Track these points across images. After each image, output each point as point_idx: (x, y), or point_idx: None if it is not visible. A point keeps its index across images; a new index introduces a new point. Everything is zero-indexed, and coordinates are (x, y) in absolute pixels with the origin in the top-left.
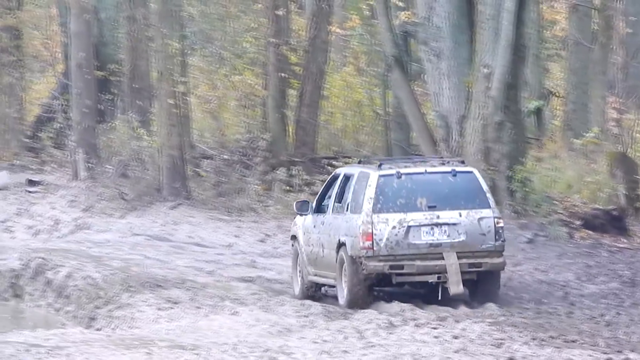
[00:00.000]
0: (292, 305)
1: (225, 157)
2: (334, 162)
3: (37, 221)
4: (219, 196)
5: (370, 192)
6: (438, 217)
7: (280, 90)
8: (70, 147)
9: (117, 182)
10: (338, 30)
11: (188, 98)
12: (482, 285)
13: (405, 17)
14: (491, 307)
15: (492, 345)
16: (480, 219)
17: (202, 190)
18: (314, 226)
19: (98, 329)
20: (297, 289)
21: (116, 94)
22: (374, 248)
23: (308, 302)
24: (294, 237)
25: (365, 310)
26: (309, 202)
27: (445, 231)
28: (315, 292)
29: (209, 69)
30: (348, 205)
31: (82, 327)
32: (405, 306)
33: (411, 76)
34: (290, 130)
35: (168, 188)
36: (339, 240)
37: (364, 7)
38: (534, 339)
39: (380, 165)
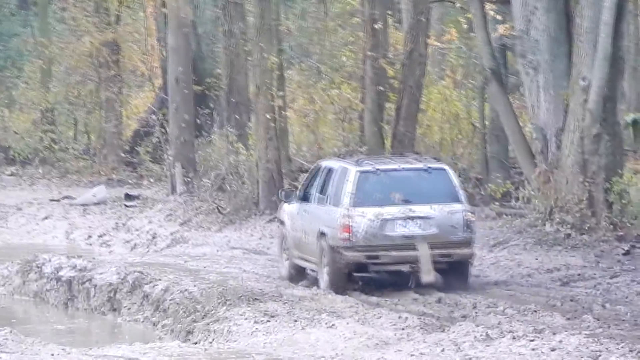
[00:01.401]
0: (388, 318)
1: None
2: None
3: (134, 235)
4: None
5: (349, 187)
6: (412, 210)
7: (378, 103)
8: (168, 162)
9: (214, 195)
10: (436, 43)
11: (285, 112)
12: (452, 274)
13: (503, 30)
14: (588, 319)
15: (589, 357)
16: (451, 212)
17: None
18: (299, 213)
19: (195, 343)
20: (283, 271)
21: (214, 108)
22: (352, 239)
23: (405, 314)
24: (281, 221)
25: (462, 323)
26: (294, 191)
27: (418, 224)
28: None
29: (307, 82)
30: (329, 197)
31: (179, 340)
32: (502, 318)
33: (509, 89)
34: (388, 143)
35: (265, 201)
36: (320, 229)
37: (462, 20)
38: (631, 351)
39: (359, 162)
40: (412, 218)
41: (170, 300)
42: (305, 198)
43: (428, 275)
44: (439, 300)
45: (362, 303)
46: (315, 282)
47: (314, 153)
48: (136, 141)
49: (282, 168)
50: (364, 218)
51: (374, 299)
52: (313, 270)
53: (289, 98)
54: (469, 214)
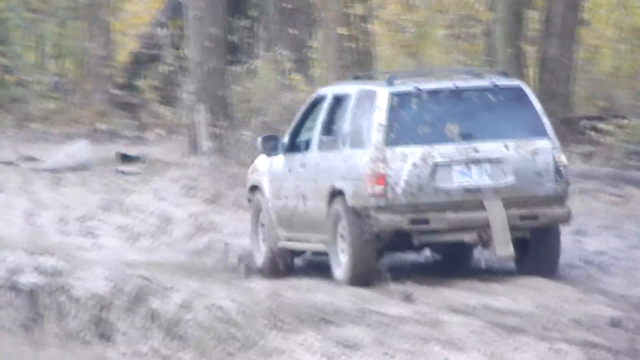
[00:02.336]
0: (535, 351)
1: None
2: (599, 125)
3: (134, 219)
4: None
5: (379, 116)
6: (476, 150)
7: (515, 11)
8: (186, 102)
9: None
10: None
11: (369, 24)
12: (535, 248)
13: None
14: None
15: None
16: (535, 152)
17: None
18: (289, 170)
19: None
20: (259, 259)
21: (257, 18)
22: (388, 195)
23: (561, 344)
24: (253, 188)
25: None
26: (278, 138)
27: (486, 170)
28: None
29: None
30: (344, 137)
31: None
32: None
33: None
34: (531, 74)
35: None
36: (333, 187)
37: None
38: None
39: (390, 80)
40: (476, 162)
41: (191, 321)
42: (296, 147)
43: (505, 247)
44: (615, 323)
45: (490, 326)
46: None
47: None
48: (135, 70)
49: None
50: (406, 162)
51: (510, 320)
52: (316, 254)
53: (375, 2)
54: (561, 154)
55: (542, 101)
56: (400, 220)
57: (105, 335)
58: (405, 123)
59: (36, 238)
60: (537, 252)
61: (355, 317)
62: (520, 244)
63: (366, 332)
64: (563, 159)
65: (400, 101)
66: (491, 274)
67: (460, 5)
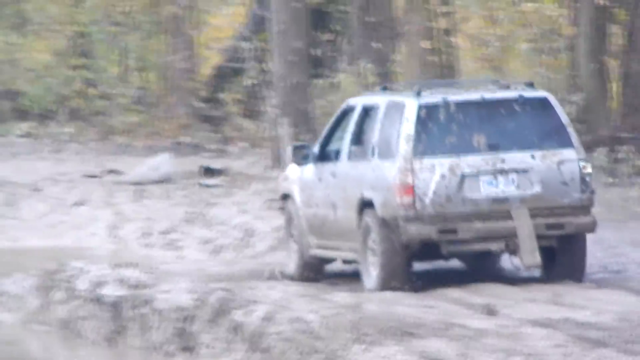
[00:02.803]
0: None
1: None
2: None
3: (217, 232)
4: None
5: (408, 128)
6: (503, 161)
7: (598, 26)
8: (269, 116)
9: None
10: None
11: (453, 38)
12: (562, 257)
13: None
14: None
15: None
16: (560, 162)
17: None
18: (319, 179)
19: None
20: (292, 267)
21: (340, 31)
22: (417, 206)
23: None
24: (285, 197)
25: None
26: (308, 147)
27: (513, 180)
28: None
29: None
30: (373, 148)
31: None
32: None
33: None
34: (615, 88)
35: None
36: (362, 196)
37: None
38: None
39: (419, 92)
40: (503, 172)
41: (274, 334)
42: (326, 157)
43: (532, 255)
44: None
45: (573, 339)
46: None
47: None
48: (219, 84)
49: None
50: (434, 173)
51: (593, 333)
52: (347, 263)
53: (459, 16)
54: (587, 165)
55: (625, 115)
56: (428, 231)
57: (188, 348)
58: (433, 134)
59: (119, 251)
60: (563, 261)
61: (438, 330)
62: (547, 253)
63: (449, 346)
64: (588, 169)
65: (428, 113)
66: (571, 287)
67: (543, 19)
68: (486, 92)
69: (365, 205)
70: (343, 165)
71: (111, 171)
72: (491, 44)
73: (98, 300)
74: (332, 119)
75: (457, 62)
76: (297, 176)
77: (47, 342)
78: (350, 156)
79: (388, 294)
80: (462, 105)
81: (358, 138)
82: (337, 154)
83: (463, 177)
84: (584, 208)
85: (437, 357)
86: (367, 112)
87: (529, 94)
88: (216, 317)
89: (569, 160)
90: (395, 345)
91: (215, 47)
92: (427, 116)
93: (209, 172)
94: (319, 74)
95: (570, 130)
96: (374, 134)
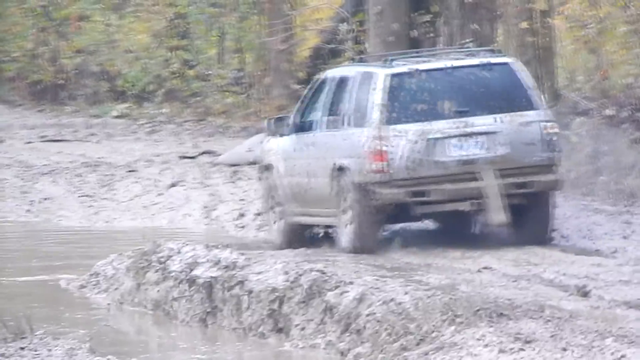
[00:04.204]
0: None
1: (609, 113)
2: None
3: None
4: (595, 174)
5: (379, 96)
6: (469, 124)
7: None
8: None
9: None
10: None
11: (551, 19)
12: (529, 215)
13: None
14: None
15: None
16: (525, 124)
17: (572, 165)
18: (298, 149)
19: None
20: (274, 236)
21: (439, 13)
22: (388, 170)
23: None
24: (266, 167)
25: None
26: (287, 118)
27: (480, 143)
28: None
29: None
30: (346, 117)
31: None
32: None
33: None
34: None
35: None
36: (337, 163)
37: None
38: None
39: (389, 62)
40: (470, 135)
41: (367, 316)
42: (303, 127)
43: (499, 214)
44: None
45: None
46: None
47: (596, 85)
48: (316, 65)
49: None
50: (403, 139)
51: None
52: (326, 228)
53: None
54: (550, 124)
55: None
56: (401, 194)
57: (280, 329)
58: (403, 102)
59: (214, 232)
60: (528, 219)
61: (531, 311)
62: (513, 212)
63: (542, 327)
64: (554, 129)
65: (397, 81)
66: None
67: None
68: (453, 60)
69: (340, 171)
70: (319, 135)
71: (207, 152)
72: (589, 26)
73: (191, 281)
74: (309, 91)
75: (554, 43)
76: (276, 147)
77: (141, 323)
78: (326, 126)
79: (483, 274)
80: (430, 73)
81: (333, 108)
82: (314, 124)
83: (432, 142)
84: (549, 167)
85: (530, 339)
86: (341, 83)
87: (495, 60)
88: (309, 298)
89: (533, 121)
90: (488, 327)
91: (313, 28)
92: (396, 85)
93: None
94: None
95: (534, 92)
96: (347, 104)
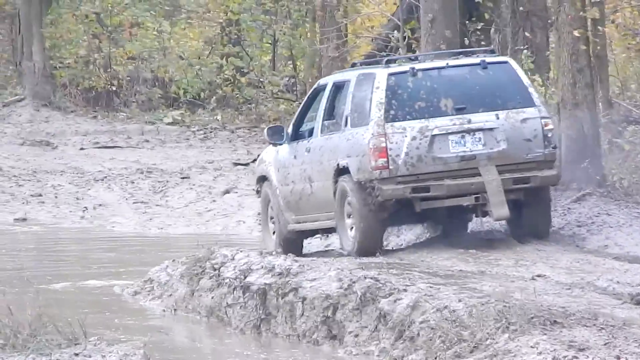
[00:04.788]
0: None
1: None
2: None
3: None
4: None
5: (379, 95)
6: (469, 121)
7: None
8: None
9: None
10: None
11: (603, 28)
12: (529, 210)
13: None
14: None
15: None
16: (523, 120)
17: (625, 173)
18: (295, 157)
19: None
20: (271, 245)
21: (491, 21)
22: (390, 167)
23: None
24: (262, 179)
25: None
26: (283, 128)
27: (479, 139)
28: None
29: None
30: (347, 118)
31: None
32: None
33: None
34: None
35: (570, 168)
36: (338, 165)
37: None
38: None
39: (387, 63)
40: (470, 131)
41: (421, 323)
42: (300, 135)
43: (500, 207)
44: None
45: None
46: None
47: None
48: None
49: (600, 116)
50: (405, 136)
51: None
52: (325, 232)
53: (609, 6)
54: (548, 121)
55: None
56: (402, 190)
57: (334, 336)
58: (403, 100)
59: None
60: (529, 215)
61: (585, 319)
62: (514, 209)
63: (596, 335)
64: (550, 125)
65: (397, 80)
66: None
67: None
68: (451, 60)
69: (341, 172)
70: (317, 140)
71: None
72: None
73: (245, 288)
74: (304, 100)
75: (606, 51)
76: (273, 157)
77: (194, 329)
78: (324, 130)
79: (537, 282)
80: (430, 72)
81: (331, 113)
82: (311, 131)
83: (433, 138)
84: (548, 162)
85: (583, 347)
86: (338, 88)
87: (492, 59)
88: (362, 305)
89: (532, 118)
90: (542, 335)
91: (365, 35)
92: (396, 84)
93: None
94: None
95: (532, 90)
96: (347, 106)
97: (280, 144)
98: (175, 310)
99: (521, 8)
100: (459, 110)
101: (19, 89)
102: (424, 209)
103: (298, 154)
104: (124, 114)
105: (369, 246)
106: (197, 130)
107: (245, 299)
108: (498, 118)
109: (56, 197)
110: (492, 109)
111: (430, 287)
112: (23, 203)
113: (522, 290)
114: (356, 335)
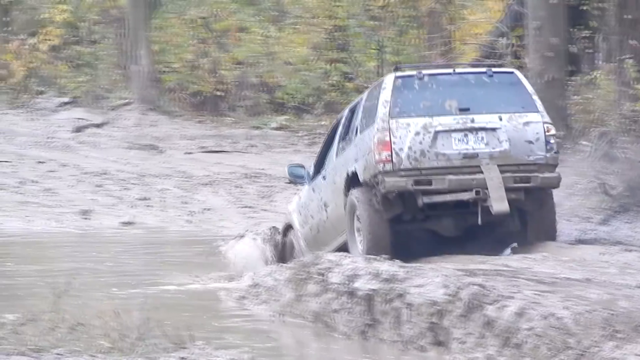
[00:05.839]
0: None
1: None
2: None
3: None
4: None
5: (385, 95)
6: (473, 120)
7: None
8: None
9: (597, 167)
10: None
11: None
12: (533, 213)
13: None
14: None
15: None
16: (526, 123)
17: None
18: (313, 190)
19: None
20: None
21: (597, 28)
22: (393, 160)
23: None
24: (288, 228)
25: None
26: (304, 167)
27: (482, 138)
28: None
29: None
30: (357, 128)
31: None
32: None
33: None
34: None
35: None
36: (348, 174)
37: None
38: None
39: (396, 68)
40: (474, 130)
41: (527, 330)
42: (318, 170)
43: (500, 202)
44: None
45: None
46: None
47: None
48: None
49: None
50: (409, 131)
51: None
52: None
53: None
54: (551, 127)
55: None
56: (405, 182)
57: (440, 342)
58: (409, 99)
59: None
60: (535, 222)
61: None
62: (519, 216)
63: None
64: (552, 131)
65: (404, 82)
66: None
67: None
68: (458, 68)
69: (352, 181)
70: (332, 164)
71: None
72: None
73: (351, 293)
74: (326, 137)
75: None
76: (296, 204)
77: (301, 335)
78: (339, 153)
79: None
80: (436, 77)
81: (345, 133)
82: (328, 160)
83: (436, 134)
84: (548, 165)
85: None
86: (352, 110)
87: (498, 68)
88: (468, 312)
89: (534, 122)
90: None
91: (471, 42)
92: (402, 85)
93: None
94: (575, 71)
95: (536, 98)
96: (358, 117)
97: (303, 183)
98: (281, 315)
99: (629, 16)
100: (463, 111)
101: (126, 93)
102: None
103: (316, 186)
104: (231, 119)
105: (378, 245)
106: (304, 135)
107: (352, 305)
108: (501, 119)
109: (163, 201)
110: (495, 112)
111: (536, 294)
112: (130, 207)
113: (629, 298)
114: (462, 342)
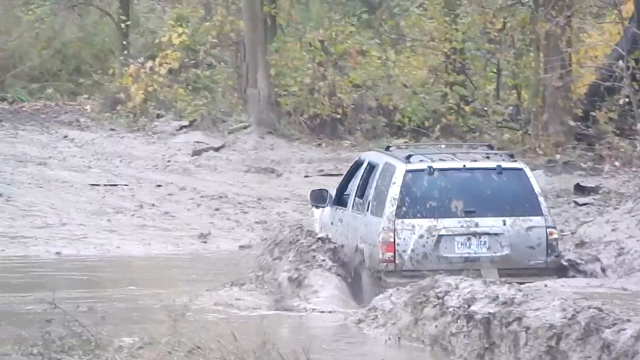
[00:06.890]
0: None
1: None
2: None
3: (590, 249)
4: None
5: (394, 191)
6: (477, 224)
7: None
8: None
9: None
10: None
11: None
12: None
13: None
14: None
15: None
16: (529, 228)
17: None
18: (332, 223)
19: None
20: None
21: None
22: (396, 261)
23: None
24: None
25: None
26: (327, 192)
27: (484, 242)
28: None
29: None
30: (369, 204)
31: None
32: None
33: None
34: None
35: None
36: (357, 246)
37: None
38: None
39: (408, 158)
40: (476, 235)
41: None
42: (341, 202)
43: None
44: None
45: None
46: None
47: None
48: (593, 102)
49: None
50: (413, 233)
51: None
52: None
53: None
54: (553, 231)
55: None
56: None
57: None
58: (416, 198)
59: None
60: None
61: None
62: None
63: None
64: (555, 235)
65: (413, 178)
66: None
67: None
68: (468, 162)
69: (358, 253)
70: (348, 214)
71: None
72: None
73: (469, 317)
74: (349, 169)
75: None
76: (318, 215)
77: (419, 358)
78: (354, 207)
79: None
80: (445, 172)
81: (361, 191)
82: (346, 202)
83: (439, 238)
84: (549, 270)
85: None
86: (371, 168)
87: (507, 164)
88: (586, 335)
89: (537, 226)
90: None
91: (589, 65)
92: (412, 181)
93: (582, 190)
94: None
95: (541, 199)
96: (371, 191)
97: (323, 207)
98: (399, 338)
99: None
100: (468, 213)
101: (244, 116)
102: None
103: (335, 220)
104: (349, 142)
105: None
106: None
107: (469, 328)
108: (505, 224)
109: (281, 224)
110: (500, 215)
111: None
112: (248, 230)
113: None
114: None
